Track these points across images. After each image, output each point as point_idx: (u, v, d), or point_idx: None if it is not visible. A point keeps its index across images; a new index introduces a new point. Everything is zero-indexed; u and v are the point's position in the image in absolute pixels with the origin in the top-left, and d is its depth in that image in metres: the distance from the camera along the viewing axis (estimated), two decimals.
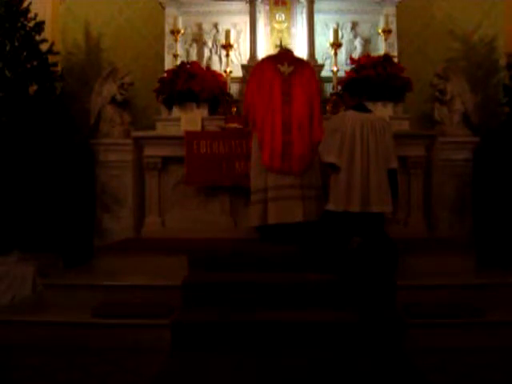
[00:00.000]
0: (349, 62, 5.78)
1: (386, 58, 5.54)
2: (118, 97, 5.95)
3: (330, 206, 4.28)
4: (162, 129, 5.56)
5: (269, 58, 5.09)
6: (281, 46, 5.28)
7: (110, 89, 5.98)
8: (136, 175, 5.52)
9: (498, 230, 5.61)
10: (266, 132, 4.76)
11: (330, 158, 4.24)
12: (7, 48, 5.35)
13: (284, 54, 5.04)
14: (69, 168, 5.61)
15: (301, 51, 5.91)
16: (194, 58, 6.05)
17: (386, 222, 4.39)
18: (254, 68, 5.13)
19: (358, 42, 6.09)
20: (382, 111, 5.31)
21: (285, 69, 4.87)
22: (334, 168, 4.27)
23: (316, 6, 5.90)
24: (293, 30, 6.01)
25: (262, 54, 5.90)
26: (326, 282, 4.01)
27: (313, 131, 4.77)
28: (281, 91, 4.81)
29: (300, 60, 5.15)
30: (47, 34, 5.82)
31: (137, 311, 3.83)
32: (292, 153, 4.73)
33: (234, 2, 6.06)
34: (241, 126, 5.31)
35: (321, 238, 4.30)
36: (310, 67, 5.13)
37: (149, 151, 5.37)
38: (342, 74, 5.73)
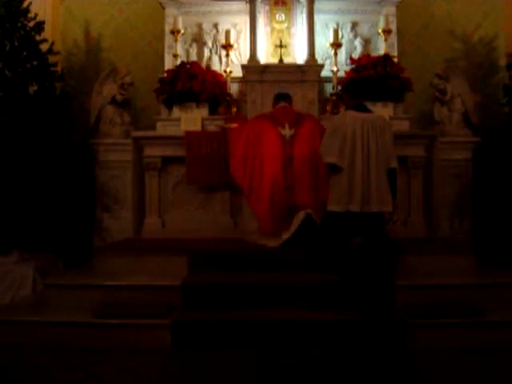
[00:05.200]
0: (349, 62, 5.78)
1: (386, 58, 5.54)
2: (118, 97, 5.96)
3: (332, 207, 4.28)
4: (161, 129, 5.56)
5: (268, 119, 4.92)
6: (278, 96, 5.11)
7: (110, 89, 5.99)
8: (136, 175, 5.52)
9: (498, 230, 5.62)
10: (263, 199, 4.68)
11: (331, 159, 4.24)
12: (7, 48, 5.35)
13: (283, 111, 4.92)
14: (69, 168, 5.61)
15: (301, 51, 5.91)
16: (194, 58, 6.05)
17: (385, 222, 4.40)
18: (250, 125, 4.98)
19: (358, 42, 6.08)
20: (382, 111, 5.30)
21: (286, 132, 4.78)
22: (334, 168, 4.27)
23: (316, 6, 5.89)
24: (293, 30, 5.99)
25: (262, 53, 5.90)
26: (326, 282, 4.00)
27: (320, 191, 4.65)
28: (282, 156, 4.72)
29: (300, 117, 4.95)
30: (47, 34, 5.82)
31: (137, 311, 3.82)
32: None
33: (234, 2, 6.05)
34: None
35: (321, 238, 4.30)
36: (311, 120, 4.96)
37: (149, 151, 5.35)
38: (341, 74, 5.73)
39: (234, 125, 5.31)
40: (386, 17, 5.85)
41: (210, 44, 6.14)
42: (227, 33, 5.79)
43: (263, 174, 4.75)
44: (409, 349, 3.56)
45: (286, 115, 4.91)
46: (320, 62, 5.89)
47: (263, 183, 4.74)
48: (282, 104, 5.02)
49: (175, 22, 5.89)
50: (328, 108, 5.67)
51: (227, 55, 5.81)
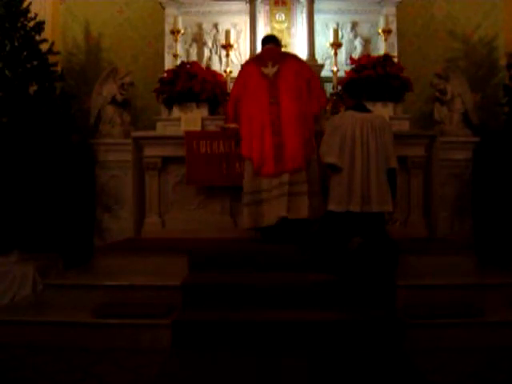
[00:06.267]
0: (349, 61, 5.77)
1: (386, 57, 5.53)
2: (118, 97, 5.97)
3: (331, 207, 4.28)
4: (161, 129, 5.56)
5: (253, 61, 5.01)
6: (264, 38, 5.15)
7: (110, 89, 5.99)
8: (136, 175, 5.51)
9: (498, 230, 5.62)
10: (256, 138, 4.70)
11: (331, 159, 4.24)
12: (7, 48, 5.35)
13: (268, 52, 4.94)
14: (69, 168, 5.61)
15: (301, 51, 5.91)
16: (194, 58, 6.06)
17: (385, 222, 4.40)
18: (238, 73, 5.05)
19: (358, 42, 6.09)
20: (382, 111, 5.29)
21: (269, 70, 4.78)
22: (333, 169, 4.27)
23: (316, 6, 5.90)
24: (293, 30, 6.01)
25: None
26: (326, 282, 4.01)
27: (311, 102, 4.71)
28: (268, 95, 4.73)
29: (284, 55, 5.01)
30: (47, 34, 5.83)
31: (137, 311, 3.82)
32: (284, 154, 4.64)
33: (233, 2, 6.06)
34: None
35: (321, 238, 4.30)
36: (295, 59, 4.97)
37: (149, 151, 5.35)
38: (341, 74, 5.72)
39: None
40: (386, 17, 5.85)
41: (210, 44, 6.15)
42: (227, 33, 5.79)
43: (251, 117, 4.73)
44: (409, 349, 3.56)
45: (270, 55, 4.90)
46: (320, 62, 5.91)
47: (252, 125, 4.71)
48: (270, 46, 5.00)
49: (175, 22, 5.89)
50: (328, 108, 5.66)
51: (227, 55, 5.81)
